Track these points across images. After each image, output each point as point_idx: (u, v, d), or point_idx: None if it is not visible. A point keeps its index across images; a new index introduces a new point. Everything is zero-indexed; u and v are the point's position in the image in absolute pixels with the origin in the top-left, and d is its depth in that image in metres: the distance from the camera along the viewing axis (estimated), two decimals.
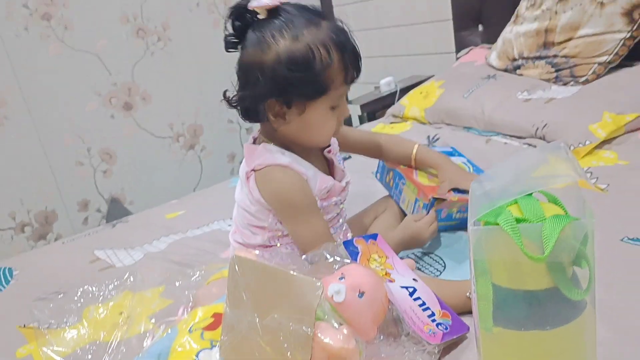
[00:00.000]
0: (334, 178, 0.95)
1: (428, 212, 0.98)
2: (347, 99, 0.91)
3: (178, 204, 1.54)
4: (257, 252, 0.77)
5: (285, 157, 0.87)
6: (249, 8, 0.81)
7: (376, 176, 1.17)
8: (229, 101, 0.87)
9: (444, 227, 1.04)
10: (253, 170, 0.88)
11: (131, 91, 2.30)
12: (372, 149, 1.11)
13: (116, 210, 2.26)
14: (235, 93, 0.87)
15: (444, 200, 0.98)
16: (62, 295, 0.82)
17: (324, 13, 0.85)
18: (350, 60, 0.83)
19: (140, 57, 2.30)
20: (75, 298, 0.77)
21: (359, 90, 2.61)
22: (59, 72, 2.11)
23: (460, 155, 1.16)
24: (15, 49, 2.00)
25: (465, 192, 0.97)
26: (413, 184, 1.04)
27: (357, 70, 0.85)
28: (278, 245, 0.92)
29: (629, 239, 0.87)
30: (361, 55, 0.86)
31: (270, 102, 0.83)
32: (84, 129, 2.21)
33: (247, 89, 0.84)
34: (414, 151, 1.07)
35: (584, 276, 0.52)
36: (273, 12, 0.81)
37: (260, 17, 0.81)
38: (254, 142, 0.93)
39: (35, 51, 2.05)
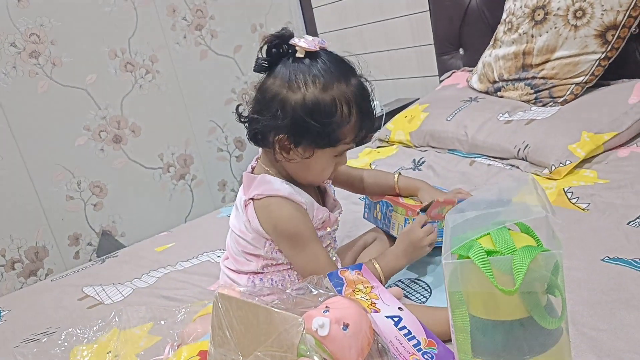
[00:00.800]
0: (326, 207, 0.98)
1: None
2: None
3: (167, 237, 1.54)
4: (241, 288, 0.77)
5: (284, 188, 0.89)
6: (290, 43, 0.83)
7: (364, 217, 1.19)
8: (240, 116, 0.90)
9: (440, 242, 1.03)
10: (252, 199, 0.89)
11: (120, 124, 2.32)
12: (355, 184, 1.14)
13: (107, 244, 2.25)
14: (248, 111, 0.89)
15: (433, 208, 0.99)
16: (45, 339, 0.82)
17: (355, 69, 0.88)
18: (366, 123, 0.87)
19: (129, 91, 2.33)
20: (60, 341, 0.77)
21: None
22: (48, 108, 2.12)
23: None
24: (4, 87, 2.02)
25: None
26: (401, 207, 1.06)
27: (368, 133, 0.90)
28: (270, 271, 0.93)
29: (609, 258, 0.88)
30: (375, 120, 0.90)
31: (282, 137, 0.85)
32: (74, 163, 2.22)
33: (264, 115, 0.85)
34: (396, 178, 1.11)
35: (559, 304, 0.53)
36: (311, 55, 0.83)
37: (298, 55, 0.83)
38: (252, 172, 0.95)
39: (24, 89, 2.07)
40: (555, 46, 1.51)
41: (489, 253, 0.51)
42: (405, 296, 0.95)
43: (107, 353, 0.84)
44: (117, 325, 0.80)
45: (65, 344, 0.76)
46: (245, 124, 0.90)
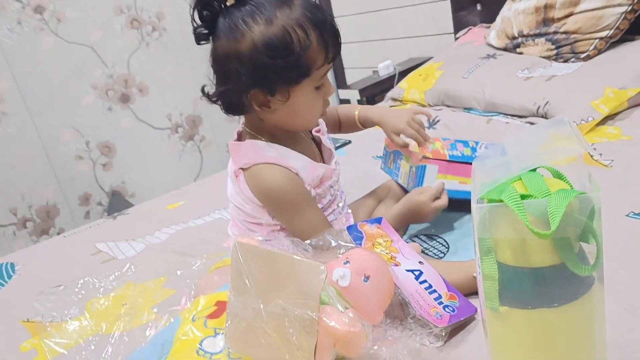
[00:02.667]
0: (322, 158, 0.94)
1: (421, 177, 0.97)
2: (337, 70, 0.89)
3: (179, 194, 1.53)
4: (260, 237, 0.75)
5: (272, 153, 0.84)
6: None
7: (381, 167, 1.16)
8: (209, 97, 0.84)
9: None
10: (241, 169, 0.86)
11: (127, 83, 2.29)
12: (333, 122, 1.09)
13: (117, 204, 2.25)
14: (214, 88, 0.83)
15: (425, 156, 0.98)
16: (62, 287, 0.82)
17: None
18: (329, 38, 0.80)
19: (136, 49, 2.28)
20: (76, 290, 0.76)
21: (358, 75, 2.59)
22: (54, 65, 2.09)
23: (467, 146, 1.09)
24: (9, 44, 1.99)
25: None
26: (407, 154, 1.03)
27: (338, 47, 0.82)
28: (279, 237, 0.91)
29: (635, 213, 0.86)
30: (339, 31, 0.82)
31: (253, 93, 0.79)
32: (82, 122, 2.20)
33: (228, 82, 0.80)
34: (356, 113, 1.06)
35: (591, 252, 0.51)
36: None
37: (229, 3, 0.78)
38: (239, 138, 0.91)
39: (30, 45, 2.03)
40: None
41: (522, 197, 0.49)
42: (423, 252, 0.94)
43: (123, 305, 0.83)
44: (132, 277, 0.80)
45: (83, 291, 0.76)
46: (218, 103, 0.84)
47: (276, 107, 0.81)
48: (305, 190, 0.86)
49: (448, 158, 0.99)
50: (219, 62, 0.81)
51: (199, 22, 0.79)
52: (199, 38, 0.81)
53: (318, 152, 0.95)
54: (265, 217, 0.88)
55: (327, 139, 0.97)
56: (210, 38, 0.81)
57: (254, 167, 0.84)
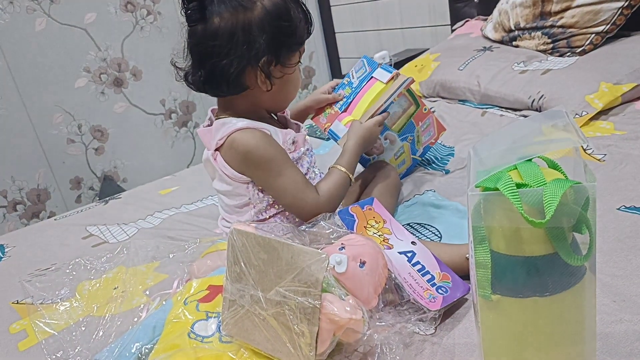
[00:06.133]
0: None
1: (335, 135, 1.07)
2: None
3: (172, 180, 1.53)
4: (254, 225, 0.75)
5: (242, 121, 0.86)
6: None
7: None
8: (195, 82, 0.85)
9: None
10: (217, 149, 0.87)
11: (121, 67, 2.26)
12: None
13: (109, 189, 2.24)
14: (207, 67, 0.83)
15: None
16: (53, 268, 0.81)
17: None
18: (308, 17, 0.88)
19: (130, 32, 2.26)
20: (67, 271, 0.76)
21: (353, 65, 2.57)
22: (47, 47, 2.06)
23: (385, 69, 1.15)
24: (1, 24, 1.95)
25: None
26: (319, 125, 1.13)
27: (312, 22, 0.90)
28: (267, 217, 0.91)
29: (625, 207, 0.87)
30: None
31: (264, 60, 0.82)
32: (74, 105, 2.17)
33: (233, 54, 0.80)
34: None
35: (584, 242, 0.51)
36: None
37: None
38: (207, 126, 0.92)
39: (22, 26, 2.00)
40: None
41: (518, 186, 0.49)
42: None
43: (114, 288, 0.83)
44: (124, 260, 0.80)
45: (74, 273, 0.76)
46: (207, 85, 0.85)
47: (276, 80, 0.86)
48: (282, 148, 0.88)
49: (339, 110, 1.10)
50: (221, 37, 0.80)
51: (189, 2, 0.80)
52: (192, 18, 0.81)
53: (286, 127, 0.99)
54: (251, 192, 0.89)
55: (287, 115, 1.01)
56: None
57: (228, 139, 0.85)
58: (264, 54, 0.81)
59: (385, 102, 1.03)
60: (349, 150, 0.96)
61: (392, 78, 1.06)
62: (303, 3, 0.88)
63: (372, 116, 1.02)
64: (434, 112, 1.06)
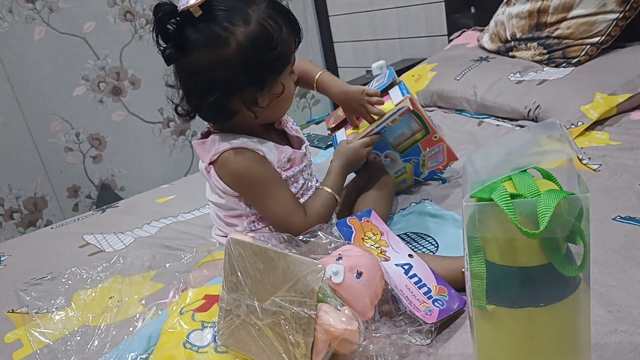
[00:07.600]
0: (290, 145, 0.96)
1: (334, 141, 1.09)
2: None
3: (169, 189, 1.53)
4: (252, 234, 0.75)
5: (237, 140, 0.86)
6: (181, 10, 0.76)
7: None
8: (189, 114, 0.85)
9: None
10: (211, 163, 0.87)
11: (120, 75, 2.27)
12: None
13: (107, 197, 2.23)
14: (194, 103, 0.84)
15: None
16: (49, 277, 0.81)
17: None
18: (294, 22, 0.84)
19: (128, 41, 2.26)
20: (63, 280, 0.75)
21: (351, 74, 2.59)
22: (46, 55, 2.07)
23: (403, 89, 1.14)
24: (0, 33, 1.96)
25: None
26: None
27: (301, 29, 0.86)
28: (260, 228, 0.92)
29: (621, 217, 0.87)
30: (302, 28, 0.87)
31: (247, 92, 0.81)
32: (73, 114, 2.18)
33: (216, 89, 0.80)
34: (317, 78, 1.07)
35: (578, 253, 0.51)
36: (206, 7, 0.76)
37: (196, 15, 0.76)
38: (203, 138, 0.92)
39: (21, 35, 2.00)
40: (572, 4, 1.46)
41: (512, 197, 0.49)
42: (413, 250, 0.94)
43: (110, 298, 0.83)
44: (120, 269, 0.79)
45: (70, 282, 0.75)
46: (203, 116, 0.86)
47: (264, 102, 0.84)
48: (275, 171, 0.88)
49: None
50: (201, 73, 0.80)
51: (163, 43, 0.78)
52: (170, 58, 0.80)
53: (286, 141, 0.98)
54: (243, 206, 0.90)
55: (292, 126, 1.00)
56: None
57: (222, 156, 0.85)
58: (247, 86, 0.80)
59: (377, 127, 1.03)
60: (334, 171, 0.97)
61: (403, 100, 1.04)
62: (288, 10, 0.84)
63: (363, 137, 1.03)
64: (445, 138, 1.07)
